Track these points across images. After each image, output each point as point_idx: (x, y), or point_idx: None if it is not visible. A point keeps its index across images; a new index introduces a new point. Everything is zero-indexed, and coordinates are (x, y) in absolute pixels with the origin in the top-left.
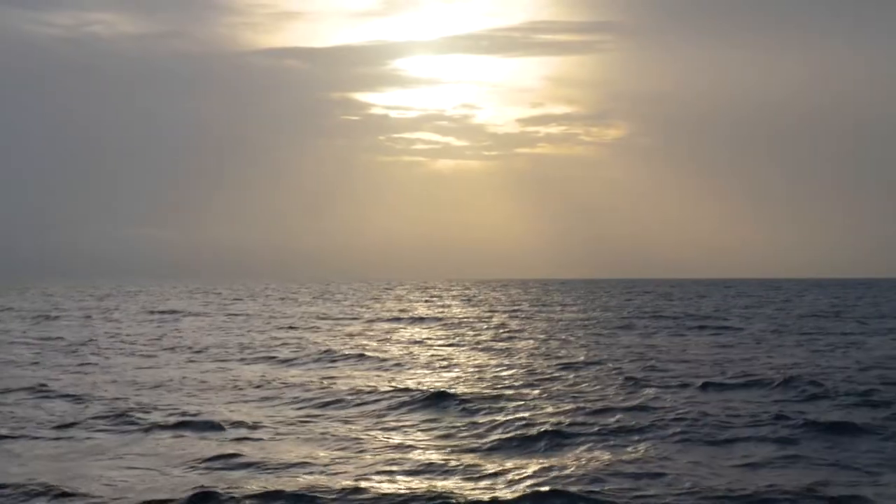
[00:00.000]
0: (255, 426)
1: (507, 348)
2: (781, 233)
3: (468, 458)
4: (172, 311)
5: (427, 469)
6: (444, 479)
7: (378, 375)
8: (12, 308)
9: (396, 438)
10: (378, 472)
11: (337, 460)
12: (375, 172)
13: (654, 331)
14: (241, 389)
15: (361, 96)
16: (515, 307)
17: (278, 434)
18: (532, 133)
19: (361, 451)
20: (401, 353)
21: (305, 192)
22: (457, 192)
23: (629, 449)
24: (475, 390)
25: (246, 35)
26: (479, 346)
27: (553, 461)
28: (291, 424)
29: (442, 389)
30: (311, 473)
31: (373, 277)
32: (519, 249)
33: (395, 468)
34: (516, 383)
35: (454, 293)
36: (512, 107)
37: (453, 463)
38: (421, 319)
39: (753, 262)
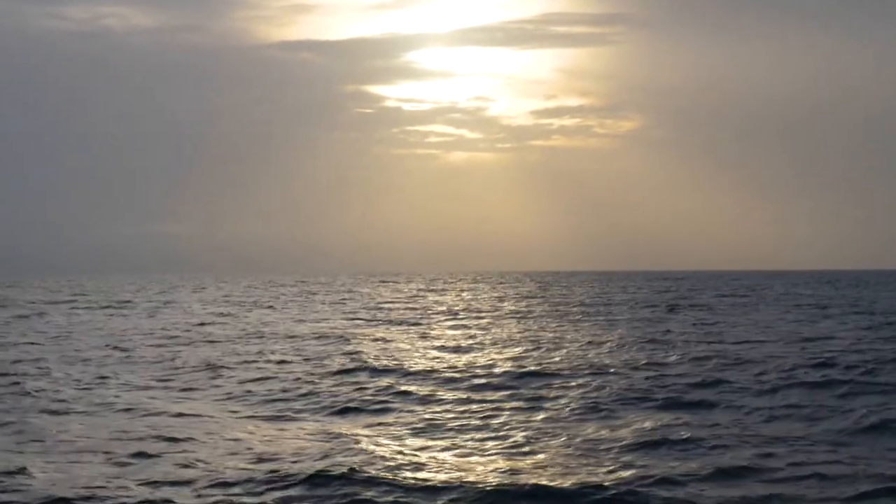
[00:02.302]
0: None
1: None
2: (793, 225)
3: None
4: (162, 306)
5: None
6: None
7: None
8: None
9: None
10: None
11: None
12: (389, 165)
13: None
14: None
15: (375, 89)
16: (496, 301)
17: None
18: (546, 125)
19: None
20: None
21: (319, 186)
22: (470, 184)
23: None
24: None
25: (260, 28)
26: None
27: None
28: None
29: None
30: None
31: (385, 271)
32: (532, 242)
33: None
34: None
35: (454, 287)
36: (525, 99)
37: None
38: (379, 322)
39: (766, 254)
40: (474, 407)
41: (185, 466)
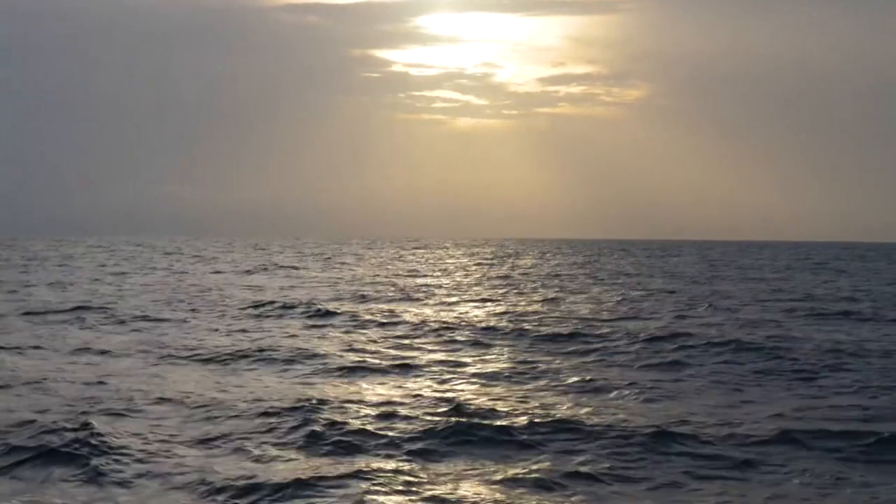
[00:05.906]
0: None
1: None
2: (801, 194)
3: None
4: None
5: None
6: None
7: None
8: None
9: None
10: None
11: None
12: (395, 130)
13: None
14: None
15: (382, 53)
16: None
17: None
18: (552, 93)
19: None
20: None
21: (325, 150)
22: (476, 150)
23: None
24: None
25: None
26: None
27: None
28: None
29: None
30: None
31: (390, 236)
32: (537, 209)
33: None
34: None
35: (433, 256)
36: (532, 66)
37: None
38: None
39: (773, 224)
40: None
41: None
